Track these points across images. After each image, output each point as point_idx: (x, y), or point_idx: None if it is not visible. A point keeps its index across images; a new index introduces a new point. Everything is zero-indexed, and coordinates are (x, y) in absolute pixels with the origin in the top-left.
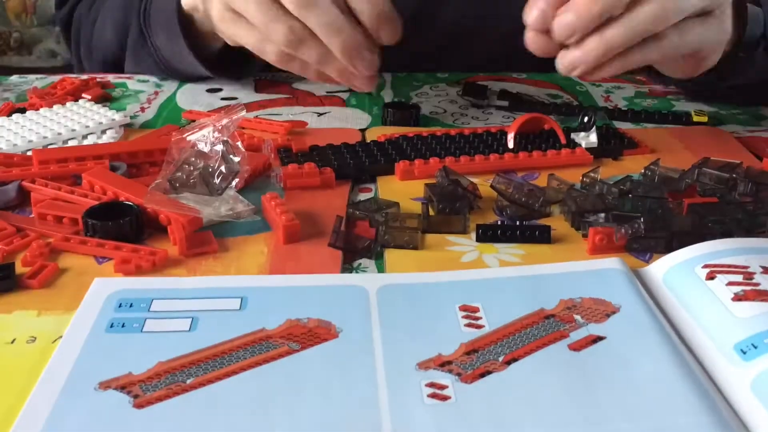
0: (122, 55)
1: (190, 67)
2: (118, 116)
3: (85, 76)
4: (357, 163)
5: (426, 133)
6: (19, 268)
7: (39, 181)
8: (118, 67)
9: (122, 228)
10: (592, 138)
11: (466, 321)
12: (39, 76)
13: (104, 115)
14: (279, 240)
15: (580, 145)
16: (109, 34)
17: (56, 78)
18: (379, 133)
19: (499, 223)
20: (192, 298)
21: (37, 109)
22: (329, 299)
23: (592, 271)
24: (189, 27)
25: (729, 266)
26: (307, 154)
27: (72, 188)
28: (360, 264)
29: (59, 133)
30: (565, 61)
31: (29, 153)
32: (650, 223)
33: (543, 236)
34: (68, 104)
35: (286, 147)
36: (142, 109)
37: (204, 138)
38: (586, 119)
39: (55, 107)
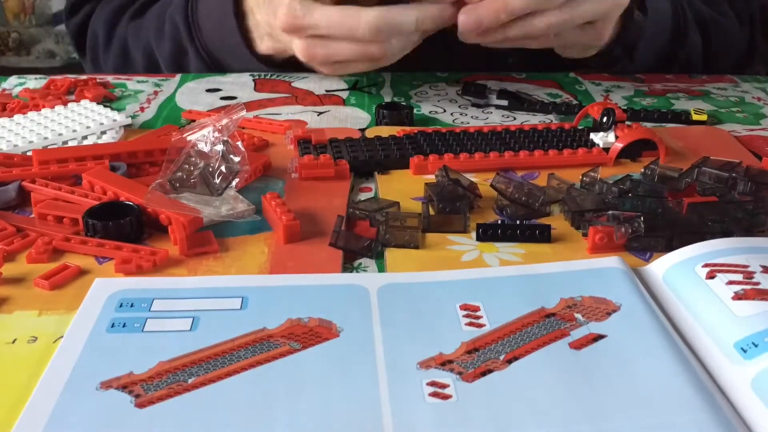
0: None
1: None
2: (119, 117)
3: (84, 77)
4: (372, 156)
5: (445, 129)
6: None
7: (39, 182)
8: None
9: (123, 228)
10: (610, 138)
11: (467, 320)
12: (38, 76)
13: (105, 115)
14: (279, 240)
15: (597, 145)
16: (140, 62)
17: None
18: (377, 133)
19: (499, 222)
20: (193, 298)
21: (39, 110)
22: (330, 299)
23: (592, 269)
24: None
25: (729, 265)
26: (324, 146)
27: (72, 188)
28: (360, 263)
29: (60, 134)
30: (468, 19)
31: (29, 153)
32: (650, 222)
33: (543, 235)
34: (69, 105)
35: (305, 139)
36: (142, 109)
37: (204, 138)
38: (605, 119)
39: (57, 108)
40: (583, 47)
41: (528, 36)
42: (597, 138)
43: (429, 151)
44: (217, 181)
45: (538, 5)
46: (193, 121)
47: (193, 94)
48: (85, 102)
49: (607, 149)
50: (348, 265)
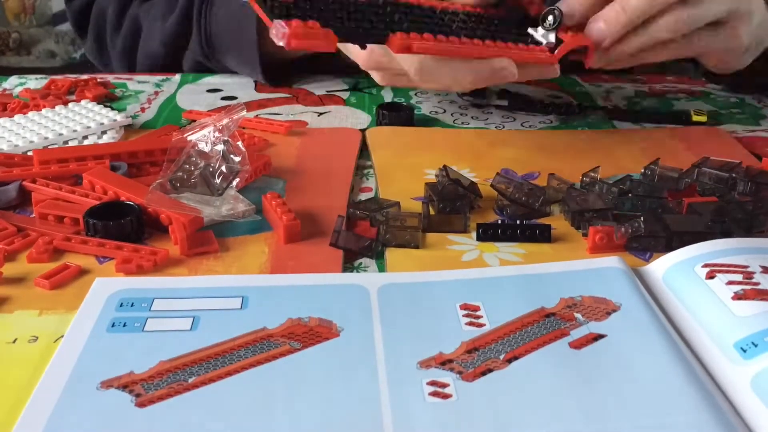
0: (167, 62)
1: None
2: (119, 117)
3: (84, 76)
4: (354, 23)
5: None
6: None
7: (40, 181)
8: (155, 68)
9: (123, 228)
10: (551, 38)
11: (467, 319)
12: (39, 76)
13: (106, 115)
14: (280, 239)
15: (540, 43)
16: (157, 47)
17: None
18: (379, 134)
19: (499, 222)
20: (193, 298)
21: (39, 110)
22: (330, 298)
23: (592, 269)
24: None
25: (728, 266)
26: (294, 5)
27: (73, 188)
28: (361, 263)
29: (60, 134)
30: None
31: (30, 153)
32: (650, 222)
33: (543, 235)
34: (70, 105)
35: None
36: (143, 110)
37: (204, 138)
38: (550, 18)
39: (57, 108)
40: (729, 56)
41: (656, 40)
42: (537, 35)
43: (407, 28)
44: (218, 180)
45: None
46: (194, 121)
47: (194, 94)
48: (85, 102)
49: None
50: (348, 265)
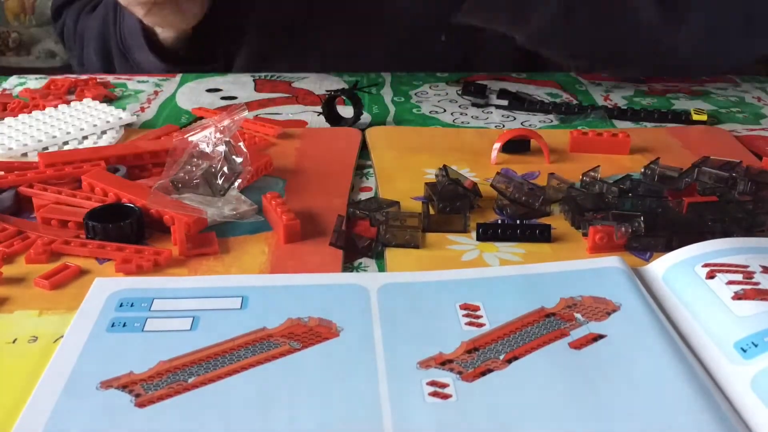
0: (110, 69)
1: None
2: (124, 114)
3: (84, 77)
4: None
5: None
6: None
7: (37, 186)
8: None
9: (123, 230)
10: None
11: (467, 319)
12: (39, 76)
13: (110, 114)
14: (280, 239)
15: None
16: (95, 59)
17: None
18: (378, 133)
19: (499, 222)
20: (193, 298)
21: (42, 109)
22: (330, 298)
23: (592, 269)
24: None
25: (729, 265)
26: None
27: (74, 192)
28: (361, 263)
29: (68, 132)
30: None
31: (39, 152)
32: (650, 222)
33: (543, 235)
34: (73, 104)
35: None
36: (142, 109)
37: (206, 139)
38: None
39: (60, 107)
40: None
41: None
42: None
43: None
44: (220, 181)
45: None
46: (200, 118)
47: (194, 94)
48: (87, 101)
49: None
50: (348, 265)
